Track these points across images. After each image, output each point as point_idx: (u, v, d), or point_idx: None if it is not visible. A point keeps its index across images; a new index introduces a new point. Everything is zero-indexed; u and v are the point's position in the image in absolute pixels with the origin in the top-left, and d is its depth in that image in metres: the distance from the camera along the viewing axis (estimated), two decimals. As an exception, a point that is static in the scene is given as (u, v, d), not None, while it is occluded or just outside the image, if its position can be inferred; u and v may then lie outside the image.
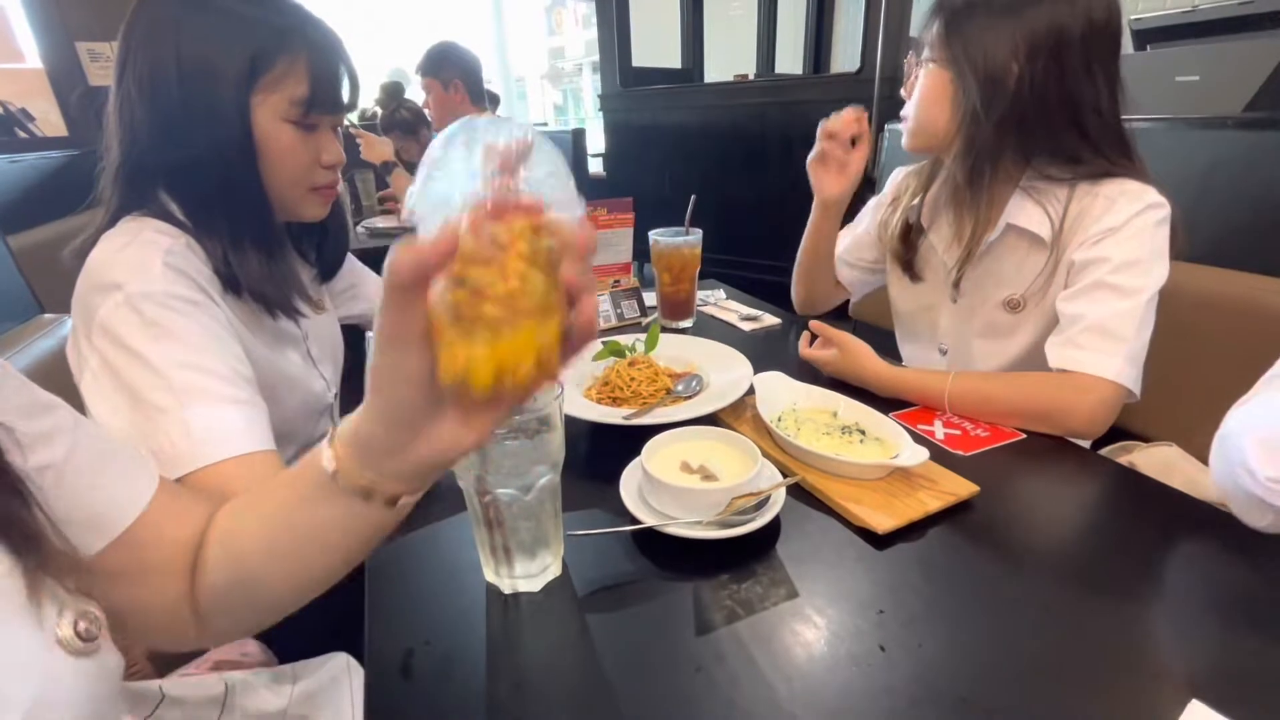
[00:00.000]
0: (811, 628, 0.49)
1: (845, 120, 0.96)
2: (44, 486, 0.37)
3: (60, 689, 0.32)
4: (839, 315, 1.17)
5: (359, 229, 2.37)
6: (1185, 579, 0.55)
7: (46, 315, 0.93)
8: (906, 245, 0.98)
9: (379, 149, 2.15)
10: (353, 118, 2.80)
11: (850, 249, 1.09)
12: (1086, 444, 0.84)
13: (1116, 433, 0.83)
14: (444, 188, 0.31)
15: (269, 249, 0.70)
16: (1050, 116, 0.78)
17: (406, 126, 2.74)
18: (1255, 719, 0.38)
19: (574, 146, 2.45)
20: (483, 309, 0.30)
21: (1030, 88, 0.77)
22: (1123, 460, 0.84)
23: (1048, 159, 0.82)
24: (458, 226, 0.30)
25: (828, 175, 1.00)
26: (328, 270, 0.87)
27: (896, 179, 1.05)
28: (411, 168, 2.64)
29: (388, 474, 0.37)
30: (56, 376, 0.64)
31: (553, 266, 0.31)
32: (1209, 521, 0.59)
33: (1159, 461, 0.85)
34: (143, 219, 0.66)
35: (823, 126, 0.98)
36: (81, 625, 0.34)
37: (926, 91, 0.84)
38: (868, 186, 1.05)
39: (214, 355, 0.61)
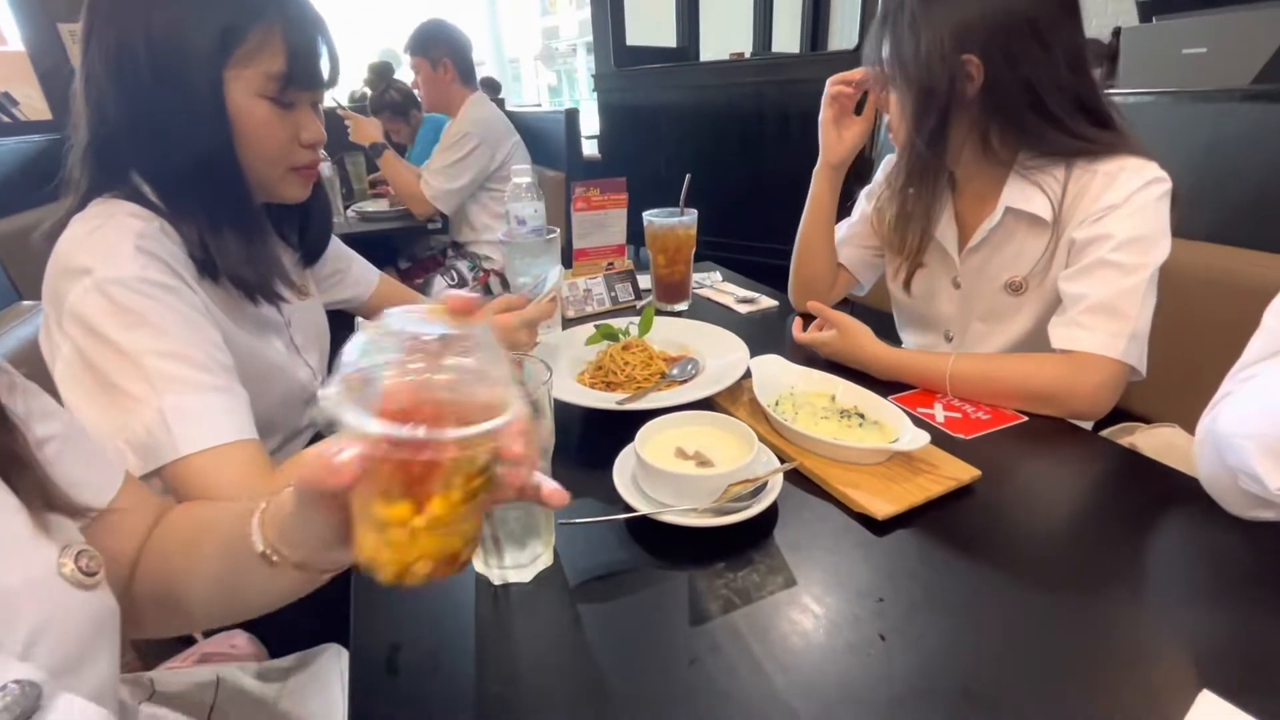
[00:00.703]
0: (810, 617, 0.48)
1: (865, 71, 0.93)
2: (48, 458, 0.40)
3: (63, 615, 0.35)
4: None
5: (349, 212, 2.33)
6: (1192, 564, 0.54)
7: (25, 303, 0.91)
8: (902, 234, 0.96)
9: (367, 130, 2.11)
10: (341, 99, 2.75)
11: (850, 235, 1.07)
12: (1088, 426, 0.83)
13: (1118, 414, 0.81)
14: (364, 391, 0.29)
15: (248, 232, 0.67)
16: (1007, 103, 0.76)
17: (396, 107, 2.70)
18: (1267, 710, 0.37)
19: (567, 127, 2.41)
20: (395, 532, 0.30)
21: (984, 79, 0.75)
22: (1124, 442, 0.83)
23: (1020, 144, 0.80)
24: (361, 457, 0.28)
25: (838, 135, 0.98)
26: (311, 254, 0.85)
27: (889, 166, 1.02)
28: (401, 150, 2.60)
29: (315, 560, 0.39)
30: (34, 365, 0.62)
31: (474, 481, 0.30)
32: (1215, 505, 0.57)
33: (1161, 443, 0.84)
34: (114, 201, 0.63)
35: (836, 77, 0.96)
36: (83, 561, 0.37)
37: (891, 109, 0.86)
38: (857, 178, 1.02)
39: (190, 342, 0.59)
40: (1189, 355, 0.85)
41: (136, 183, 0.65)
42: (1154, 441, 0.84)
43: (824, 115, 0.98)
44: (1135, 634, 0.46)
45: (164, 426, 0.55)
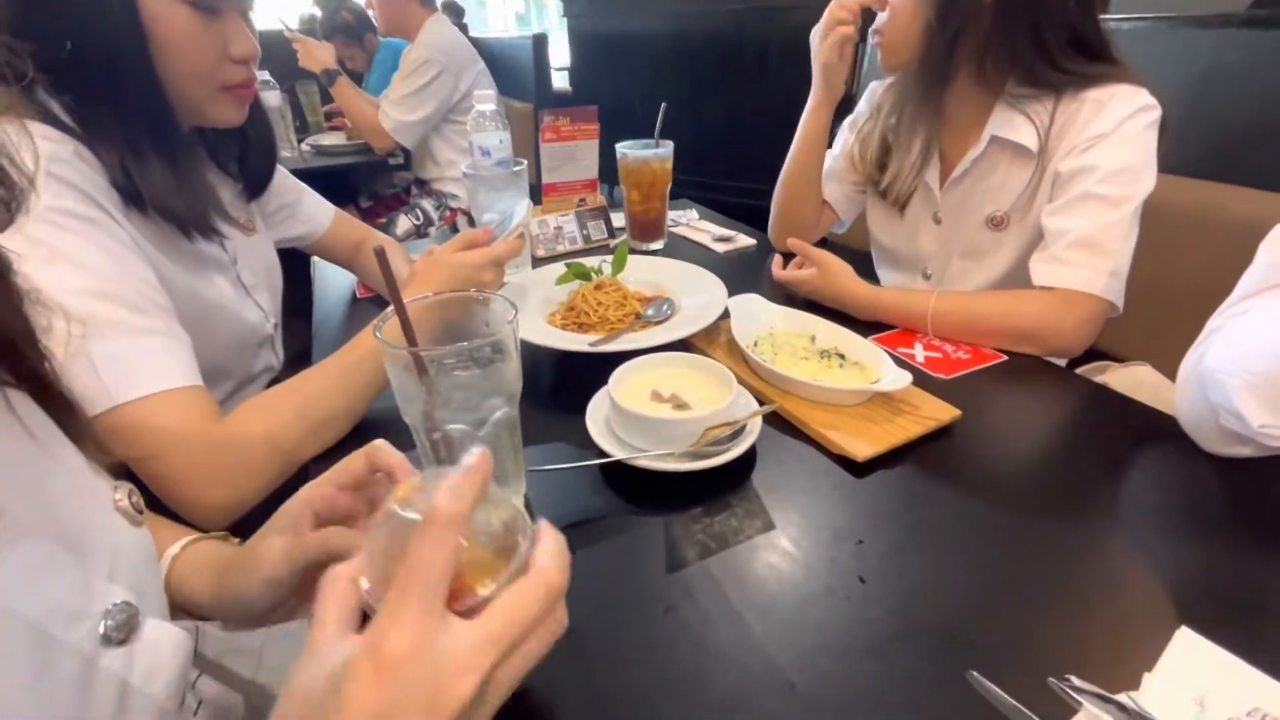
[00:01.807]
0: (788, 561, 0.47)
1: None
2: None
3: (127, 547, 0.35)
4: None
5: (304, 146, 2.19)
6: (1170, 502, 0.54)
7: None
8: (884, 166, 0.92)
9: (317, 55, 1.95)
10: (289, 21, 2.54)
11: (832, 170, 1.02)
12: (1062, 363, 0.83)
13: (1092, 353, 0.81)
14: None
15: (175, 157, 0.61)
16: (1010, 22, 0.73)
17: (350, 31, 2.50)
18: (1244, 645, 0.37)
19: (535, 54, 2.26)
20: None
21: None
22: (1097, 380, 0.83)
23: (1010, 69, 0.77)
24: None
25: (840, 67, 0.90)
26: (254, 185, 0.78)
27: (874, 95, 0.97)
28: (356, 77, 2.43)
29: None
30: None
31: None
32: (1190, 442, 0.57)
33: (1132, 381, 0.84)
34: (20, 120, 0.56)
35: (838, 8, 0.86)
36: (134, 498, 0.37)
37: (898, 5, 0.79)
38: (839, 111, 0.96)
39: (118, 280, 0.53)
40: (1163, 293, 0.85)
41: (43, 99, 0.57)
42: (1126, 380, 0.85)
43: (828, 46, 0.88)
44: (1114, 572, 0.46)
45: (93, 373, 0.50)
